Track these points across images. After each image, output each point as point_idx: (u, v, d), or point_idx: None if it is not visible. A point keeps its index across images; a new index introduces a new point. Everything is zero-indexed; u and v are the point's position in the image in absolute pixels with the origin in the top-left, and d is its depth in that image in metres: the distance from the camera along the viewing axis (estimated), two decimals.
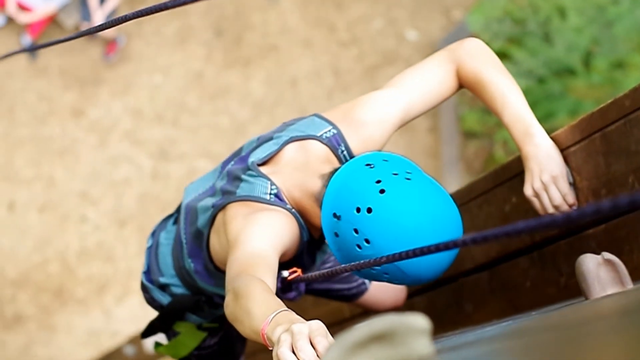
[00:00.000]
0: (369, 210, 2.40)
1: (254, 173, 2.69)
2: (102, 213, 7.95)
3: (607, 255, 2.12)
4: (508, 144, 7.73)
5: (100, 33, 8.41)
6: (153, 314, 3.32)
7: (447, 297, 3.51)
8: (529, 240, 2.94)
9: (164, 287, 3.12)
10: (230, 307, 2.23)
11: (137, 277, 7.71)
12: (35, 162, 8.07)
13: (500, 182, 3.03)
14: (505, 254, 3.08)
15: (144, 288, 3.20)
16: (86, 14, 8.40)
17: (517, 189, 2.94)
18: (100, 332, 7.64)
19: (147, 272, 3.18)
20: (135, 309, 7.66)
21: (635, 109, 2.42)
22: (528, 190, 2.62)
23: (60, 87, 8.36)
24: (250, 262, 2.36)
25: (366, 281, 3.44)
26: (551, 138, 2.65)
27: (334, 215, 2.49)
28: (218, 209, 2.73)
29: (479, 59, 2.79)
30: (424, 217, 2.38)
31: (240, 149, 2.91)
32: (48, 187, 8.00)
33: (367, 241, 2.40)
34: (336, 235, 2.49)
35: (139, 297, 7.62)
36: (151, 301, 3.20)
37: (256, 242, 2.44)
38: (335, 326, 3.83)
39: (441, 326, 3.47)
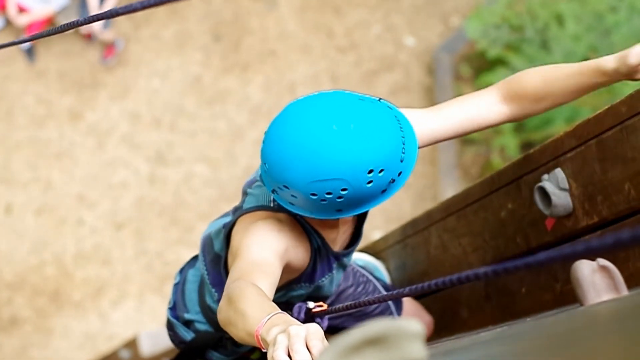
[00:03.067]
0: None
1: (259, 184, 2.70)
2: (99, 216, 7.95)
3: (603, 261, 2.12)
4: (505, 151, 7.74)
5: (99, 36, 8.41)
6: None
7: (443, 303, 3.51)
8: (524, 246, 2.94)
9: (188, 324, 3.12)
10: (223, 311, 2.23)
11: (133, 281, 7.71)
12: (32, 165, 8.07)
13: (496, 188, 3.03)
14: (501, 260, 3.08)
15: (169, 324, 3.19)
16: (85, 15, 8.39)
17: (513, 195, 2.94)
18: (96, 336, 7.63)
19: (173, 308, 3.17)
20: (130, 313, 7.65)
21: (632, 116, 2.42)
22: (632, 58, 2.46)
23: (58, 91, 8.36)
24: (249, 269, 2.36)
25: (395, 315, 3.42)
26: (547, 144, 2.66)
27: (273, 191, 2.52)
28: (229, 227, 2.73)
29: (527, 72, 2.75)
30: (284, 125, 2.43)
31: None
32: (45, 190, 7.99)
33: (286, 187, 2.41)
34: (274, 192, 2.52)
35: (134, 301, 7.62)
36: (174, 338, 3.19)
37: (256, 250, 2.44)
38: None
39: (437, 332, 3.47)
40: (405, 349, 1.33)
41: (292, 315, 2.65)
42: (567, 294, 2.68)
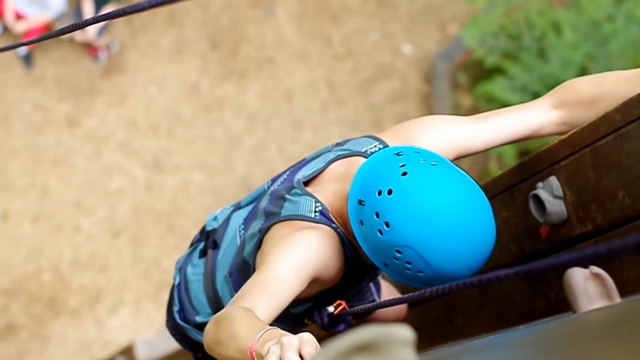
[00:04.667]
0: (390, 192, 2.34)
1: (298, 191, 2.63)
2: (96, 223, 7.94)
3: (595, 269, 2.11)
4: (502, 159, 7.74)
5: (94, 43, 8.41)
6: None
7: (437, 311, 3.50)
8: (518, 254, 2.93)
9: (201, 327, 2.98)
10: (210, 334, 2.22)
11: (130, 288, 7.70)
12: (29, 172, 8.07)
13: (490, 196, 3.01)
14: (495, 267, 3.07)
15: (176, 328, 3.08)
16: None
17: (507, 203, 2.94)
18: (93, 343, 7.63)
19: (181, 311, 3.06)
20: (127, 320, 7.64)
21: (626, 124, 2.41)
22: None
23: (55, 97, 8.36)
24: (259, 289, 2.34)
25: (376, 297, 3.39)
26: (541, 152, 2.66)
27: (359, 202, 2.43)
28: (264, 232, 2.65)
29: (578, 78, 2.77)
30: (444, 200, 2.32)
31: (284, 172, 2.87)
32: (42, 197, 7.99)
33: (387, 224, 2.33)
34: (361, 223, 2.42)
35: (131, 308, 7.61)
36: (184, 340, 3.09)
37: (279, 269, 2.39)
38: (326, 339, 3.81)
39: (431, 340, 3.46)
40: (395, 356, 1.33)
41: (315, 320, 2.64)
42: (562, 302, 2.67)
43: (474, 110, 8.27)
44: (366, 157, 2.64)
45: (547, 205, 2.67)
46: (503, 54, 8.08)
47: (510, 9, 8.30)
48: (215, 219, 3.13)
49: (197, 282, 3.02)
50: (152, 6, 1.50)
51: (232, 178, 8.12)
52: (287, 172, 2.82)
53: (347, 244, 2.60)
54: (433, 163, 2.40)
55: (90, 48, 8.47)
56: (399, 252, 2.35)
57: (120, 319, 7.67)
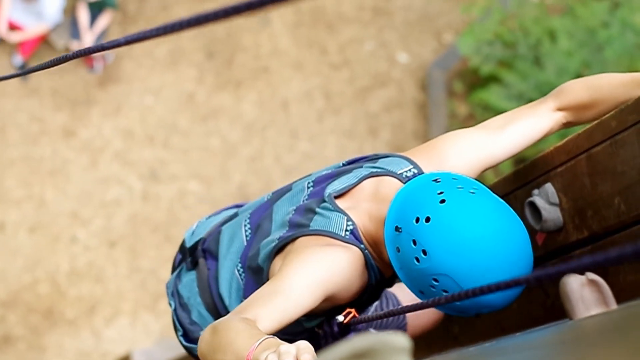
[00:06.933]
0: (428, 220, 2.32)
1: (329, 207, 2.59)
2: (93, 234, 7.93)
3: (591, 275, 2.11)
4: (498, 167, 7.73)
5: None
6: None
7: None
8: None
9: None
10: (206, 340, 2.20)
11: (127, 298, 7.69)
12: (25, 183, 8.06)
13: None
14: None
15: (189, 351, 2.99)
16: (76, 33, 8.40)
17: None
18: (90, 353, 7.61)
19: (185, 335, 2.98)
20: (124, 331, 7.63)
21: (621, 130, 2.42)
22: None
23: (51, 108, 8.36)
24: (259, 301, 2.31)
25: (392, 301, 3.36)
26: (537, 159, 2.66)
27: (396, 228, 2.41)
28: (286, 240, 2.60)
29: (576, 80, 2.76)
30: (483, 229, 2.30)
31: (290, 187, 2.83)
32: (38, 208, 7.98)
33: (425, 252, 2.32)
34: (398, 250, 2.41)
35: (128, 318, 7.60)
36: None
37: (291, 281, 2.36)
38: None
39: (428, 348, 3.46)
40: None
41: (325, 331, 2.61)
42: (558, 309, 2.68)
43: (469, 119, 8.28)
44: (399, 178, 2.61)
45: (543, 212, 2.68)
46: (499, 62, 8.09)
47: (506, 17, 8.31)
48: (193, 234, 3.10)
49: (194, 297, 2.97)
50: (159, 34, 1.49)
51: (229, 188, 8.12)
52: (309, 185, 2.76)
53: (373, 266, 2.57)
54: (471, 191, 2.38)
55: (86, 58, 8.46)
56: (436, 280, 2.32)
57: (118, 329, 7.65)
